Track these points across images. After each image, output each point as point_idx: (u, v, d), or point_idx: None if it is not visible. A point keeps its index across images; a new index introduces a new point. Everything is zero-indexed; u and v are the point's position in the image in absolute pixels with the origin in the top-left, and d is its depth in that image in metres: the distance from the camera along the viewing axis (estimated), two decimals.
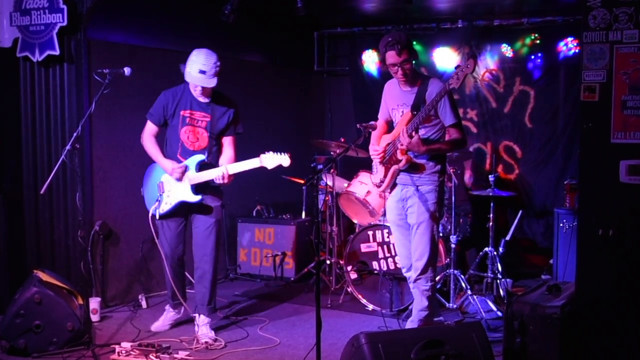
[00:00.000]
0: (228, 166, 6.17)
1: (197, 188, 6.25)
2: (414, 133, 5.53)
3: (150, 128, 6.39)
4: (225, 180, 6.14)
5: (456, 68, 5.27)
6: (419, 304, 5.96)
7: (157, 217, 6.33)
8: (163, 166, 6.31)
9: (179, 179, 6.23)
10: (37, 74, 7.17)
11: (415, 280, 5.90)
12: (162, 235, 6.46)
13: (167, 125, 6.35)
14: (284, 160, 6.02)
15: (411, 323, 6.03)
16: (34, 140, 7.24)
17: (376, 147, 5.98)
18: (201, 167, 6.26)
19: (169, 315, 6.71)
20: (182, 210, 6.38)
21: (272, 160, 6.02)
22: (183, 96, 6.28)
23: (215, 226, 6.39)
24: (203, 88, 6.16)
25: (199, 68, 6.06)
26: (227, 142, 6.42)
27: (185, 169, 6.22)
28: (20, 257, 7.29)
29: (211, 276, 6.42)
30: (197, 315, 6.46)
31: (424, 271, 5.83)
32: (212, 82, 6.11)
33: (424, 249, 5.81)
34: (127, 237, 7.49)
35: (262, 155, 6.05)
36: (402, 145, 5.51)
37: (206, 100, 6.29)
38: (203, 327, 6.40)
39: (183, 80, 6.26)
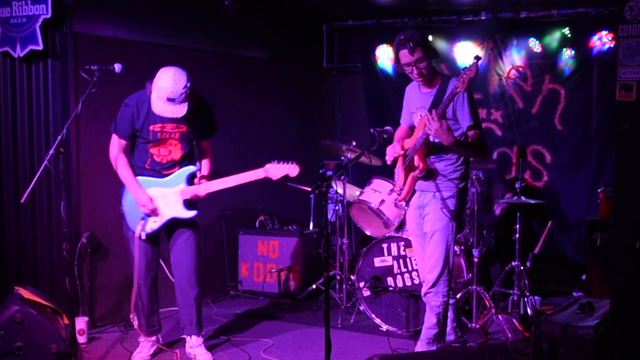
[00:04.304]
0: (230, 179, 6.17)
1: (188, 202, 6.25)
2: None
3: (119, 144, 6.21)
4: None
5: (463, 72, 5.32)
6: (427, 321, 5.95)
7: (144, 237, 6.24)
8: (136, 196, 6.17)
9: (148, 215, 6.19)
10: (18, 71, 7.18)
11: (425, 294, 5.89)
12: (139, 252, 6.31)
13: (136, 139, 6.23)
14: (291, 169, 6.04)
15: (420, 343, 6.01)
16: (15, 144, 7.26)
17: (397, 146, 5.96)
18: (192, 179, 6.26)
19: (147, 344, 6.53)
20: (170, 226, 6.35)
21: (278, 170, 6.04)
22: (151, 107, 6.05)
23: (193, 236, 6.39)
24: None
25: (166, 96, 5.87)
26: (206, 147, 6.48)
27: (156, 210, 6.20)
28: None
29: (196, 291, 6.43)
30: (187, 337, 6.46)
31: (434, 284, 5.82)
32: (181, 111, 5.94)
33: (437, 260, 5.80)
34: (117, 251, 7.47)
35: (267, 165, 6.08)
36: (429, 130, 5.47)
37: None
38: (198, 348, 6.40)
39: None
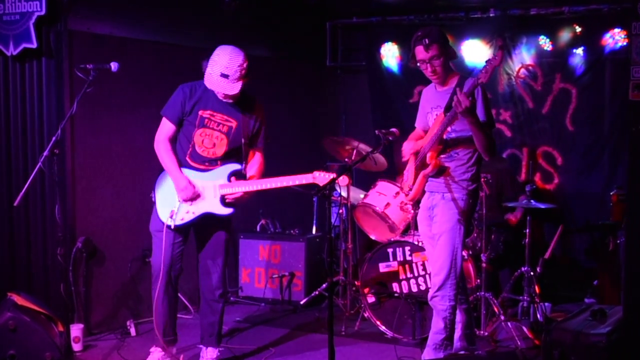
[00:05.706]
0: (272, 180, 6.12)
1: (225, 200, 6.15)
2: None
3: (166, 128, 6.16)
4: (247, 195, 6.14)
5: (486, 62, 5.37)
6: (435, 326, 5.96)
7: (172, 227, 6.10)
8: (176, 180, 6.09)
9: (186, 201, 6.08)
10: (11, 70, 7.16)
11: (431, 299, 5.91)
12: (158, 247, 6.21)
13: (182, 125, 6.18)
14: (340, 179, 5.75)
15: (427, 349, 6.01)
16: (8, 145, 7.23)
17: (412, 143, 5.99)
18: (234, 177, 6.17)
19: (156, 357, 6.37)
20: (201, 226, 6.28)
21: (325, 178, 5.92)
22: (204, 94, 6.09)
23: (224, 241, 6.32)
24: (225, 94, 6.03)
25: (220, 71, 5.91)
26: (257, 154, 6.38)
27: (199, 196, 6.11)
28: None
29: (223, 301, 6.39)
30: (203, 347, 6.43)
31: (440, 288, 5.83)
32: (235, 88, 5.95)
33: (443, 262, 5.83)
34: (114, 256, 7.48)
35: (315, 172, 5.97)
36: (458, 108, 5.42)
37: (231, 102, 6.12)
38: None
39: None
